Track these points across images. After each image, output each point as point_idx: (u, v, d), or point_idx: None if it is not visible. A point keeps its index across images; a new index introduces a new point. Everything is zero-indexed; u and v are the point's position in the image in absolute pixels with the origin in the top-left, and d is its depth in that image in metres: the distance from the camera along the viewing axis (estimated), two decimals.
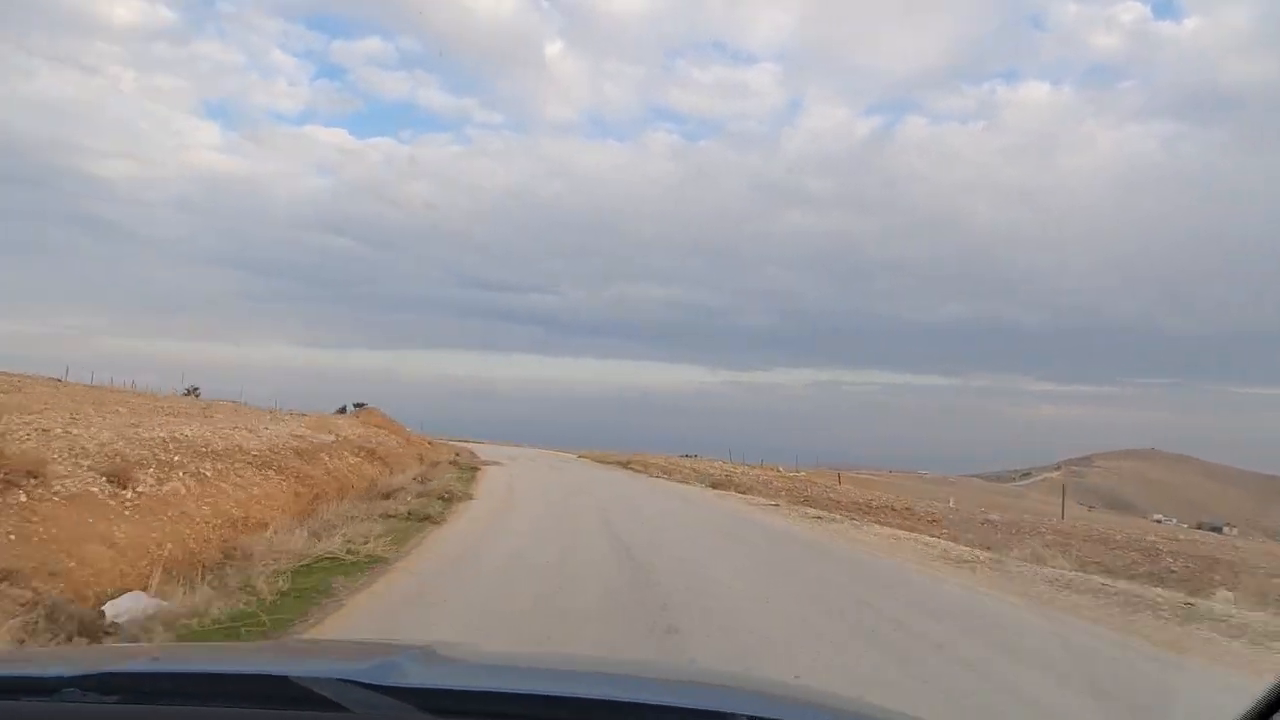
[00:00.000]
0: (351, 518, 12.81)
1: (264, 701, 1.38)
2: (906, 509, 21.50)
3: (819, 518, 15.85)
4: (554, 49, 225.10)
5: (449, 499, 16.58)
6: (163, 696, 1.41)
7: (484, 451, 43.71)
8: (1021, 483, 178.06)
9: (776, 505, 18.67)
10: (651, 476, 31.61)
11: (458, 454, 39.33)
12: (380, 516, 12.89)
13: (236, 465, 14.48)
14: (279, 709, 1.35)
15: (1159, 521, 75.39)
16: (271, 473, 15.41)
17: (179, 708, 1.39)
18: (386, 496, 18.09)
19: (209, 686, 1.47)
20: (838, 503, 22.61)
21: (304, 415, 34.42)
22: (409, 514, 12.96)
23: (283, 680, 1.40)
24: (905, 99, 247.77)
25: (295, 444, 19.80)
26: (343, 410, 74.70)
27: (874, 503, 23.72)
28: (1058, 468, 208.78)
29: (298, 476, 16.23)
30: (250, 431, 19.12)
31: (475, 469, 30.06)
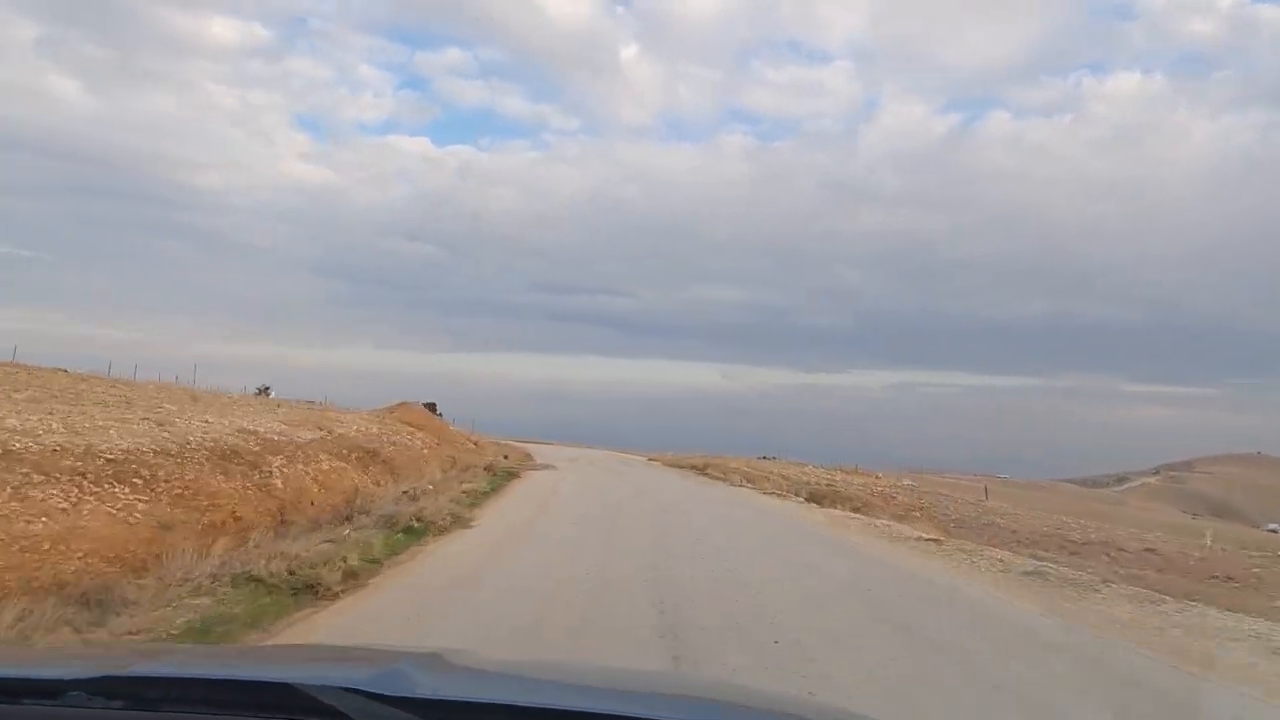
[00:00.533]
0: (186, 581, 6.77)
1: (269, 709, 1.34)
2: (1148, 550, 14.19)
3: (1038, 573, 9.05)
4: (629, 53, 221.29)
5: (419, 531, 10.46)
6: (168, 702, 1.38)
7: (546, 453, 38.08)
8: (1117, 488, 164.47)
9: (936, 541, 11.89)
10: (732, 485, 25.03)
11: (506, 456, 33.72)
12: (243, 580, 6.80)
13: (38, 478, 8.64)
14: (284, 717, 1.32)
15: (1274, 531, 65.80)
16: (124, 489, 9.55)
17: (184, 714, 1.36)
18: (345, 520, 12.29)
19: (214, 693, 1.43)
20: (1016, 535, 15.51)
21: (321, 410, 29.49)
22: (290, 575, 6.79)
23: (288, 688, 1.36)
24: (986, 94, 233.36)
25: (235, 442, 14.02)
26: None
27: (1072, 535, 16.41)
28: (1155, 472, 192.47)
29: (183, 494, 10.33)
30: (160, 425, 13.36)
31: (515, 475, 24.17)
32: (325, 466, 16.17)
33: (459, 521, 11.66)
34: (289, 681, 1.36)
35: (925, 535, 12.35)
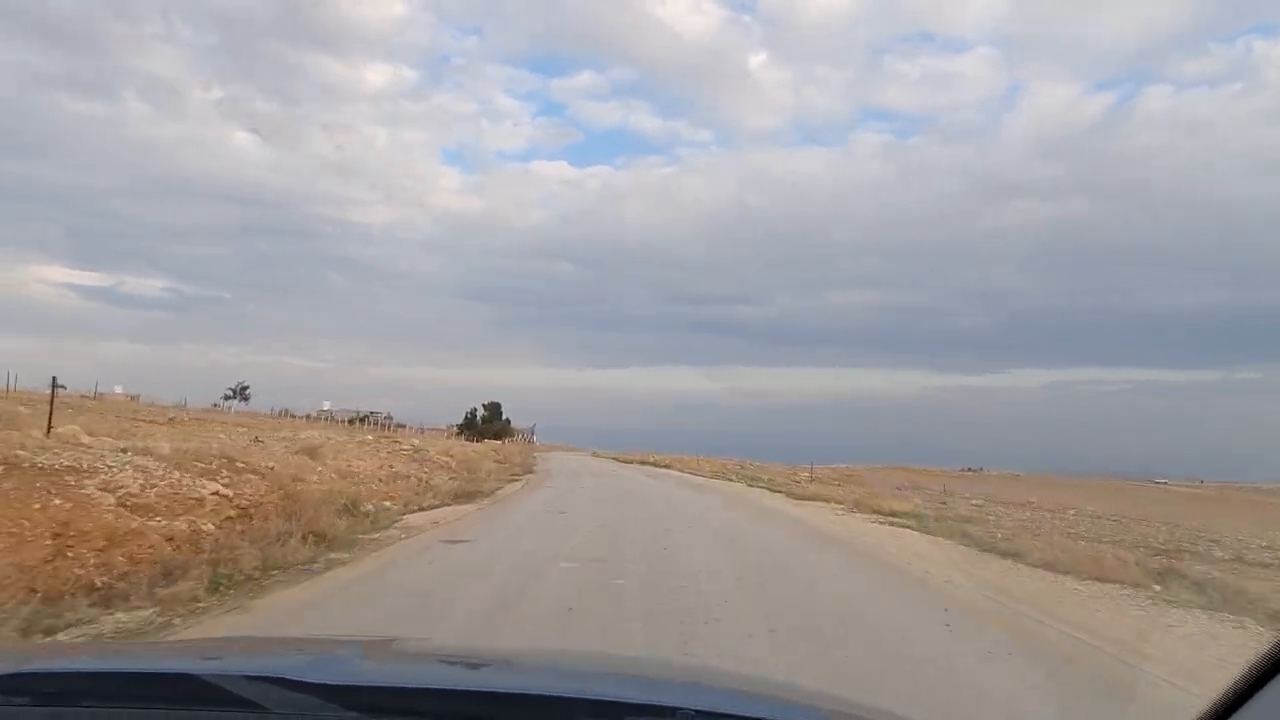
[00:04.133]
0: None
1: (178, 702, 1.22)
2: None
3: None
4: (757, 60, 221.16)
5: None
6: (73, 697, 1.26)
7: (585, 494, 23.44)
8: None
9: None
10: None
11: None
12: None
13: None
14: (191, 709, 1.19)
15: None
16: None
17: (90, 709, 1.24)
18: None
19: (120, 688, 1.30)
20: None
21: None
22: None
23: (195, 679, 1.25)
24: (1142, 68, 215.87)
25: None
26: (471, 415, 66.74)
27: None
28: None
29: None
30: None
31: None
32: None
33: None
34: (194, 673, 1.27)
35: None
